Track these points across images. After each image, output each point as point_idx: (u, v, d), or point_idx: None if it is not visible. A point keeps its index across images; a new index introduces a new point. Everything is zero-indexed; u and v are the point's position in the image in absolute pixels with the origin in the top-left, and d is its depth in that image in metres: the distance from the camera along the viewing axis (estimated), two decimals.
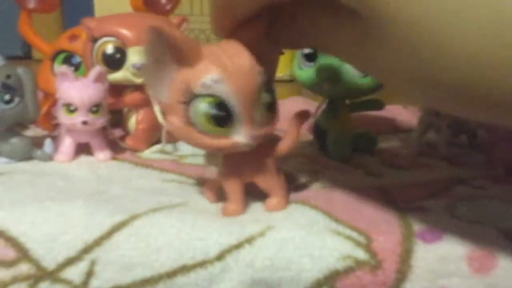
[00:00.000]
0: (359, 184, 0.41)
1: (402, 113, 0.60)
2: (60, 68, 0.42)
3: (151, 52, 0.32)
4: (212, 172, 0.36)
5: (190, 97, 0.32)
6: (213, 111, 0.32)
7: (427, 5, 0.24)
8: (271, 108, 0.35)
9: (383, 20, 0.26)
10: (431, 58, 0.25)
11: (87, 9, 0.50)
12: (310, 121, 0.49)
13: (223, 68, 0.32)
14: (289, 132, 0.36)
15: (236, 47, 0.33)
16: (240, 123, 0.33)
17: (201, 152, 0.47)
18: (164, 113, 0.33)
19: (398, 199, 0.38)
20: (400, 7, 0.24)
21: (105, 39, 0.45)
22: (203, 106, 0.32)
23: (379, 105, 0.48)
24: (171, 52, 0.32)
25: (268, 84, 0.34)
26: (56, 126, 0.51)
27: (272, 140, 0.36)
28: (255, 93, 0.33)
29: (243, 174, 0.36)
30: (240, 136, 0.34)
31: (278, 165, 0.37)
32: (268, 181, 0.37)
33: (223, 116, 0.33)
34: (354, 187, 0.40)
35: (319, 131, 0.48)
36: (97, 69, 0.43)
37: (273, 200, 0.37)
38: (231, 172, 0.36)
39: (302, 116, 0.36)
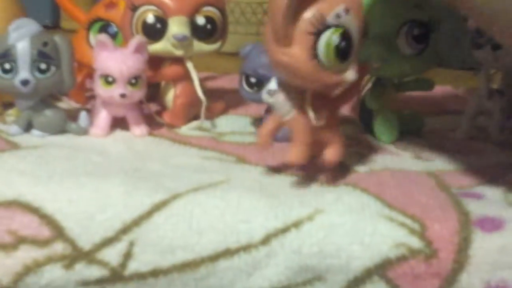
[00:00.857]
0: (409, 168, 0.39)
1: (451, 95, 0.58)
2: (98, 37, 0.41)
3: None
4: (289, 111, 0.34)
5: (323, 28, 0.32)
6: (343, 43, 0.32)
7: None
8: None
9: None
10: None
11: None
12: (354, 100, 0.47)
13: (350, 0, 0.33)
14: (353, 84, 0.35)
15: None
16: (352, 59, 0.33)
17: (240, 129, 0.46)
18: (278, 43, 0.32)
19: (452, 184, 0.36)
20: None
21: (146, 7, 0.43)
22: (335, 38, 0.32)
23: (428, 85, 0.46)
24: None
25: None
26: (90, 99, 0.50)
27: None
28: (363, 24, 0.34)
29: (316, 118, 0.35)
30: (351, 73, 0.33)
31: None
32: (332, 129, 0.35)
33: (348, 48, 0.32)
34: (404, 171, 0.38)
35: (364, 111, 0.45)
36: (138, 39, 0.41)
37: (332, 150, 0.35)
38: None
39: (363, 69, 0.35)
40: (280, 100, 0.35)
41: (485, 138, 0.46)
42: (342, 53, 0.32)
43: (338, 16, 0.32)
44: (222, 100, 0.50)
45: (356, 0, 0.33)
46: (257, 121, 0.47)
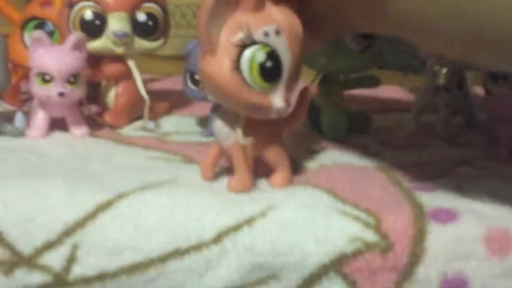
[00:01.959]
0: (358, 164, 0.39)
1: (397, 93, 0.58)
2: (34, 33, 0.39)
3: None
4: (228, 137, 0.33)
5: (248, 42, 0.31)
6: (269, 62, 0.31)
7: None
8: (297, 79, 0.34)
9: None
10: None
11: None
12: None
13: (283, 21, 0.32)
14: (298, 108, 0.35)
15: (287, 8, 0.33)
16: (280, 84, 0.32)
17: (185, 129, 0.45)
18: (202, 50, 0.31)
19: (402, 179, 0.36)
20: None
21: (83, 4, 0.42)
22: (260, 55, 0.31)
23: (374, 82, 0.46)
24: None
25: None
26: (25, 102, 0.47)
27: None
28: (300, 55, 0.33)
29: (256, 144, 0.33)
30: (277, 99, 0.32)
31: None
32: (277, 154, 0.34)
33: (275, 69, 0.31)
34: (354, 166, 0.38)
35: (312, 108, 0.45)
36: (76, 35, 0.39)
37: (279, 175, 0.34)
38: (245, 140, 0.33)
39: (306, 92, 0.35)
40: (218, 127, 0.33)
41: (432, 134, 0.46)
42: (268, 73, 0.31)
43: (266, 34, 0.31)
44: (166, 101, 0.49)
45: (293, 27, 0.32)
46: (203, 121, 0.46)
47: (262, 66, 0.31)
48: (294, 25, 0.33)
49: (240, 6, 0.31)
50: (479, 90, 0.49)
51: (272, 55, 0.31)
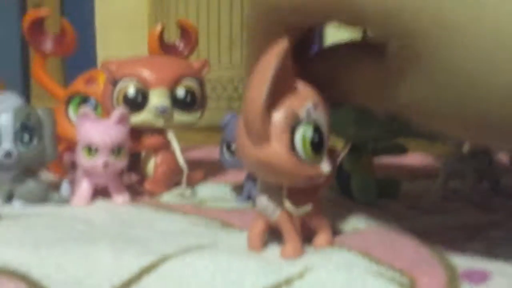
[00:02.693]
0: (390, 227, 0.40)
1: (423, 160, 0.59)
2: (81, 108, 0.41)
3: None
4: (275, 210, 0.34)
5: (296, 124, 0.32)
6: (316, 136, 0.33)
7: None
8: None
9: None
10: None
11: (89, 50, 0.50)
12: None
13: (313, 95, 0.34)
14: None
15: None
16: (324, 152, 0.34)
17: (221, 196, 0.47)
18: (254, 141, 0.32)
19: (435, 241, 0.37)
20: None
21: (126, 80, 0.44)
22: (309, 132, 0.32)
23: (401, 150, 0.48)
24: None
25: None
26: (67, 172, 0.50)
27: None
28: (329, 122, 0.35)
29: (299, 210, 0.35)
30: (325, 165, 0.34)
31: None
32: (318, 217, 0.36)
33: (321, 141, 0.33)
34: (386, 230, 0.39)
35: (342, 175, 0.46)
36: (120, 110, 0.42)
37: (322, 237, 0.36)
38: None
39: (334, 153, 0.36)
40: (263, 203, 0.35)
41: (460, 200, 0.47)
42: (317, 146, 0.33)
43: (308, 112, 0.33)
44: (201, 169, 0.51)
45: (319, 97, 0.34)
46: (237, 188, 0.47)
47: (312, 142, 0.33)
48: (319, 96, 0.34)
49: (283, 91, 0.33)
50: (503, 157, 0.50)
51: (317, 129, 0.33)
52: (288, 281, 0.32)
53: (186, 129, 0.48)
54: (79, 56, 0.53)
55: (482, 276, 0.32)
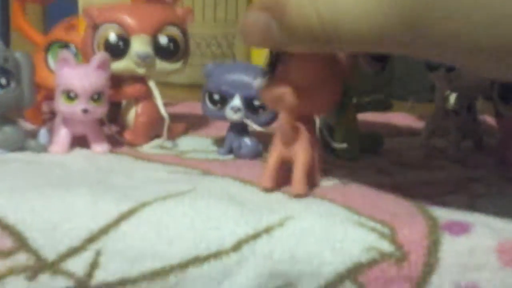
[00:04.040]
0: (372, 181, 0.39)
1: (407, 119, 0.59)
2: (61, 53, 0.40)
3: None
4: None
5: None
6: None
7: None
8: None
9: None
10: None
11: (70, 1, 0.48)
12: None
13: None
14: None
15: None
16: None
17: (203, 148, 0.46)
18: None
19: (416, 195, 0.37)
20: None
21: (108, 26, 0.43)
22: None
23: (386, 105, 0.47)
24: None
25: None
26: (46, 121, 0.49)
27: None
28: None
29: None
30: None
31: None
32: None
33: None
34: (368, 184, 0.39)
35: (324, 131, 0.46)
36: (101, 55, 0.41)
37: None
38: None
39: None
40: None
41: (443, 156, 0.47)
42: None
43: None
44: (183, 122, 0.50)
45: None
46: (219, 141, 0.47)
47: None
48: None
49: None
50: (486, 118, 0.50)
51: None
52: (268, 229, 0.31)
53: (167, 86, 0.47)
54: (60, 5, 0.52)
55: (463, 227, 0.32)
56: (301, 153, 0.35)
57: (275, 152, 0.36)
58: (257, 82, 0.36)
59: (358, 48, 0.30)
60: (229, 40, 0.74)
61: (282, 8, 0.31)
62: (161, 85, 0.47)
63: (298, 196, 0.35)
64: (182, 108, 0.59)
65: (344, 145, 0.42)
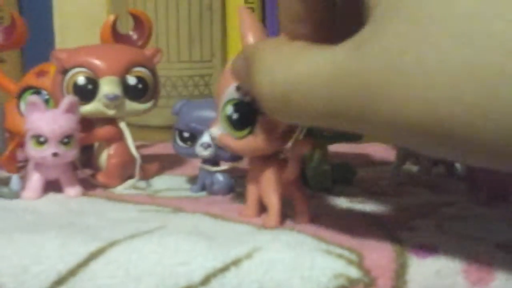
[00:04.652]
0: (343, 210, 0.40)
1: (378, 149, 0.59)
2: (29, 98, 0.41)
3: None
4: None
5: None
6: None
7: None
8: None
9: None
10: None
11: (48, 45, 0.49)
12: None
13: None
14: (292, 161, 0.36)
15: None
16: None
17: (176, 187, 0.46)
18: None
19: (385, 221, 0.37)
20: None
21: (76, 70, 0.43)
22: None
23: (356, 136, 0.48)
24: None
25: None
26: (21, 168, 0.49)
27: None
28: None
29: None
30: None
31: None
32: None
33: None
34: (338, 213, 0.39)
35: None
36: (69, 98, 0.41)
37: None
38: None
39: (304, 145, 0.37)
40: None
41: (415, 183, 0.47)
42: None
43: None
44: (157, 162, 0.50)
45: None
46: (192, 178, 0.47)
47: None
48: None
49: None
50: None
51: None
52: (236, 261, 0.31)
53: (145, 128, 0.48)
54: (38, 52, 0.52)
55: (430, 250, 0.32)
56: (301, 192, 0.38)
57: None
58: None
59: (312, 122, 0.31)
60: (206, 80, 0.74)
61: (250, 67, 0.32)
62: (138, 127, 0.48)
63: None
64: (158, 149, 0.59)
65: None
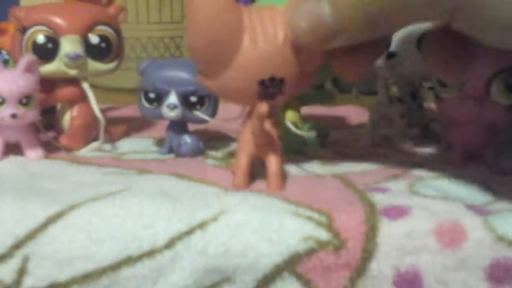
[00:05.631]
0: (314, 173, 0.39)
1: (352, 112, 0.58)
2: None
3: None
4: None
5: None
6: None
7: None
8: None
9: None
10: None
11: (12, 4, 0.47)
12: None
13: None
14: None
15: None
16: None
17: (143, 149, 0.45)
18: None
19: (357, 183, 0.36)
20: None
21: (35, 28, 0.41)
22: None
23: (329, 97, 0.47)
24: None
25: None
26: None
27: None
28: None
29: None
30: None
31: None
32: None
33: None
34: (309, 175, 0.38)
35: None
36: (27, 57, 0.39)
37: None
38: None
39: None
40: None
41: (389, 145, 0.46)
42: None
43: None
44: (124, 125, 0.49)
45: None
46: (160, 141, 0.46)
47: None
48: None
49: None
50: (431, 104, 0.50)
51: None
52: (202, 224, 0.30)
53: (112, 91, 0.46)
54: (1, 11, 0.50)
55: (401, 211, 0.31)
56: (273, 154, 0.36)
57: (246, 153, 0.36)
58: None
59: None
60: (177, 42, 0.72)
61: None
62: (107, 90, 0.46)
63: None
64: (125, 111, 0.58)
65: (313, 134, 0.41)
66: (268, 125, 0.35)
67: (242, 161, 0.36)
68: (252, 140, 0.35)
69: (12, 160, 0.41)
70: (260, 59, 0.33)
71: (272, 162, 0.36)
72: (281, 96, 0.34)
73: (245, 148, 0.36)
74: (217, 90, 0.35)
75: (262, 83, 0.33)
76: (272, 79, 0.33)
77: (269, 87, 0.33)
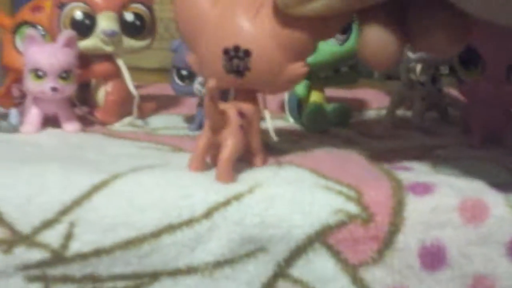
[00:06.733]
0: (339, 150, 0.40)
1: (373, 95, 0.60)
2: (28, 32, 0.40)
3: None
4: None
5: None
6: None
7: None
8: None
9: None
10: None
11: None
12: (282, 97, 0.49)
13: None
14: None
15: None
16: None
17: (173, 125, 0.46)
18: None
19: (382, 161, 0.38)
20: None
21: (73, 4, 0.43)
22: None
23: (353, 78, 0.48)
24: None
25: None
26: (17, 104, 0.49)
27: None
28: None
29: None
30: None
31: None
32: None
33: None
34: (335, 152, 0.40)
35: (292, 105, 0.47)
36: (67, 32, 0.41)
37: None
38: None
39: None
40: None
41: (409, 127, 0.48)
42: None
43: None
44: (154, 101, 0.50)
45: None
46: (189, 118, 0.47)
47: None
48: None
49: None
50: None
51: None
52: (238, 196, 0.32)
53: (138, 70, 0.47)
54: None
55: (426, 188, 0.33)
56: (229, 140, 0.34)
57: (205, 137, 0.34)
58: None
59: None
60: None
61: None
62: (132, 69, 0.47)
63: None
64: (153, 89, 0.59)
65: None
66: (226, 107, 0.34)
67: (199, 143, 0.34)
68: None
69: (51, 132, 0.42)
70: (224, 28, 0.33)
71: (224, 149, 0.33)
72: (249, 72, 0.33)
73: (205, 129, 0.35)
74: (196, 65, 0.35)
75: (226, 52, 0.33)
76: (236, 48, 0.33)
77: (234, 58, 0.33)
